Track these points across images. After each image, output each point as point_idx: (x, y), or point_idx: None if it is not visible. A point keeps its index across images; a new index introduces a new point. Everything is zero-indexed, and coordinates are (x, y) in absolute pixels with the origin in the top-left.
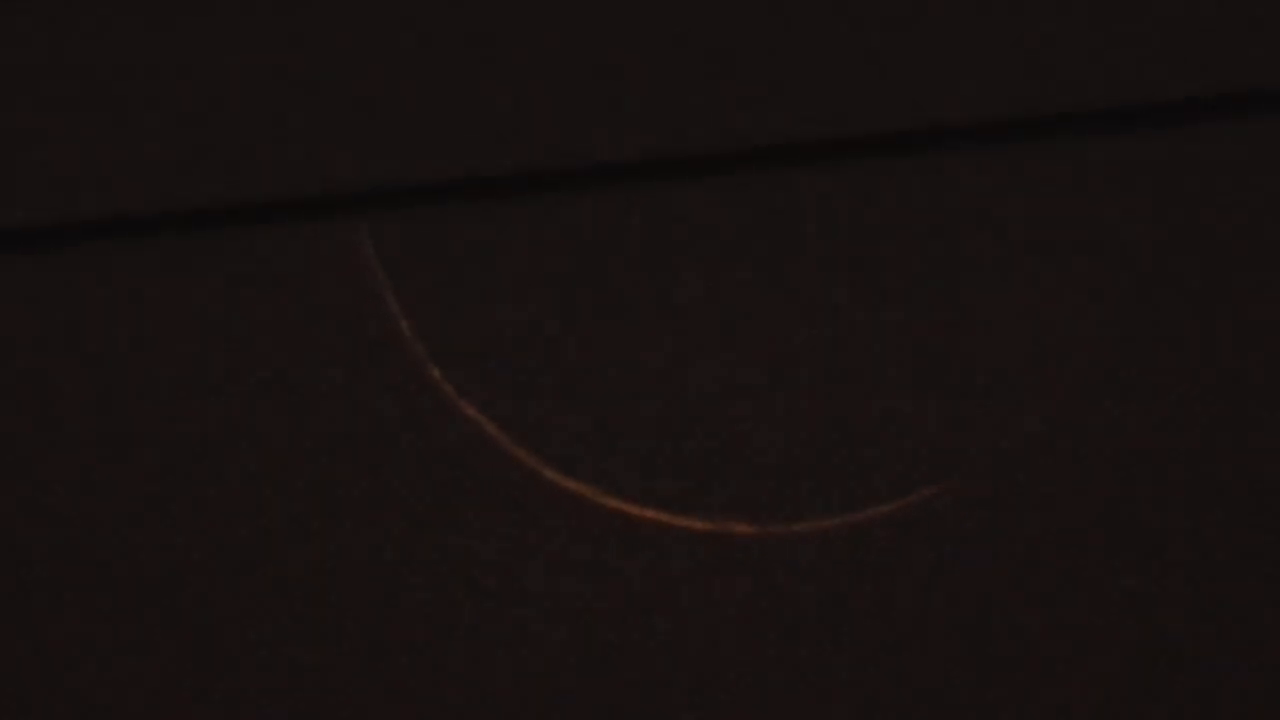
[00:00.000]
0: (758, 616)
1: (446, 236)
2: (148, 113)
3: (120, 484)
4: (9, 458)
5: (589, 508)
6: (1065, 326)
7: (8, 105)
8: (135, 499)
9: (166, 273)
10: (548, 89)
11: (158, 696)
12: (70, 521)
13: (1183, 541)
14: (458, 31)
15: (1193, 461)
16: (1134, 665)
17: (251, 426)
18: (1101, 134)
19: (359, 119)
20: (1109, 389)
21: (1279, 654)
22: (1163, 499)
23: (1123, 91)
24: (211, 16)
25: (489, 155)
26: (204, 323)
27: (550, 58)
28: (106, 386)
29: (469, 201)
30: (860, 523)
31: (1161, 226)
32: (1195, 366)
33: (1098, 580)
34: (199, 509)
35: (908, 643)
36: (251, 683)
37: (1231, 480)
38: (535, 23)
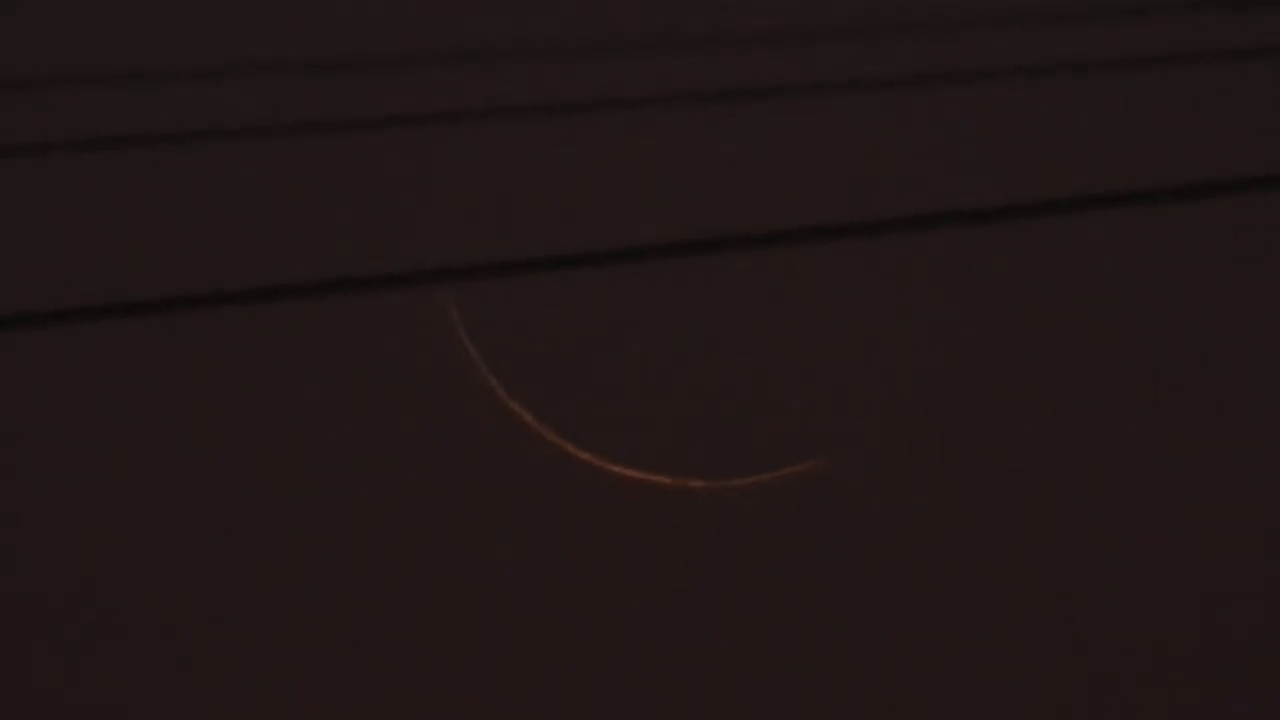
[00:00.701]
0: (707, 554)
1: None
2: (257, 193)
3: (261, 481)
4: (130, 506)
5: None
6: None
7: (112, 180)
8: (274, 497)
9: (271, 338)
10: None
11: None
12: (192, 531)
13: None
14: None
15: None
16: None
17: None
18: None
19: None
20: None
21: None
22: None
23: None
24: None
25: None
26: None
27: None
28: (228, 426)
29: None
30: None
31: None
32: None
33: (1005, 522)
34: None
35: (843, 583)
36: (313, 619)
37: (1121, 456)
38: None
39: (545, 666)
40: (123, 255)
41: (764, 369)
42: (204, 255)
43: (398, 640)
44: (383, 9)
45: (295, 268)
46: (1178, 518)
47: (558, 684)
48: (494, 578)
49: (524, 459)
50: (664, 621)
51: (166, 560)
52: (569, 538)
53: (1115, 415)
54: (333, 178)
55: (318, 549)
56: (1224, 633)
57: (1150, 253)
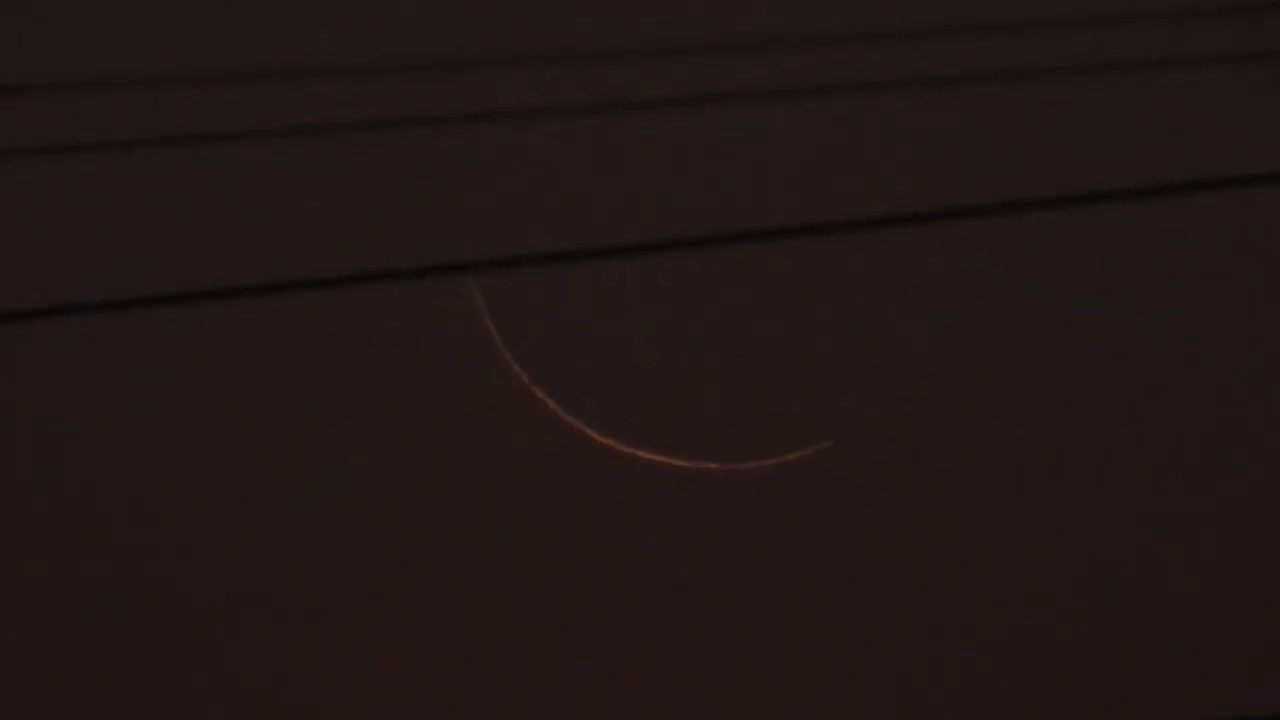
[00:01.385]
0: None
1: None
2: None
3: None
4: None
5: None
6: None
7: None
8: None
9: (309, 328)
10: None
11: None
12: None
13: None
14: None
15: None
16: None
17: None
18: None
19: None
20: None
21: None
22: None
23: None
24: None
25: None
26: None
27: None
28: (267, 407)
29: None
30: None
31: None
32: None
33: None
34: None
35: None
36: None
37: (1115, 443)
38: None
39: (566, 639)
40: (177, 247)
41: (775, 358)
42: (246, 250)
43: (423, 615)
44: (431, 14)
45: (325, 262)
46: (1176, 497)
47: (579, 656)
48: (516, 556)
49: (546, 442)
50: (680, 595)
51: (213, 538)
52: (590, 517)
53: (1118, 404)
54: (368, 177)
55: (347, 526)
56: (1221, 605)
57: (1153, 246)
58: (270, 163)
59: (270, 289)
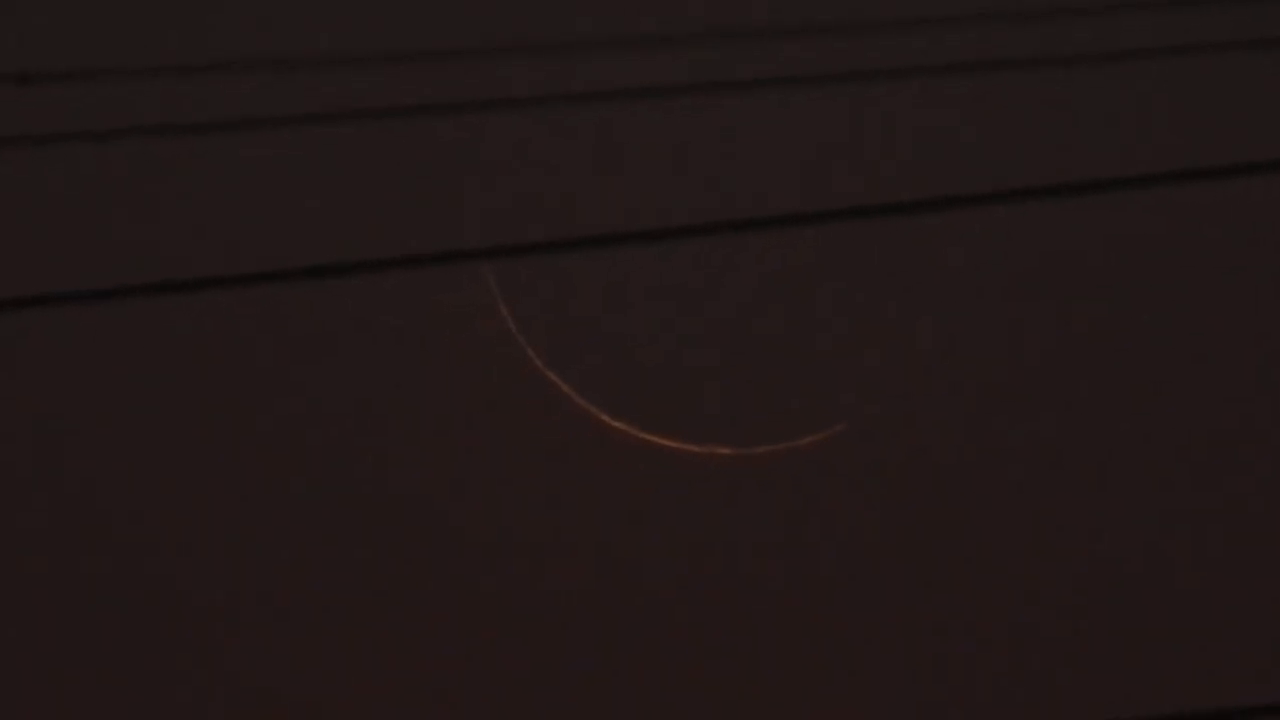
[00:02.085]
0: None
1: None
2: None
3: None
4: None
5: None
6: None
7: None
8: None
9: (326, 313)
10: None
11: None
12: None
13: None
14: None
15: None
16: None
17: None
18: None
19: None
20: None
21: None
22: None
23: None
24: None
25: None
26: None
27: None
28: (287, 390)
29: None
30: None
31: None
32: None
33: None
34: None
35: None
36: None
37: (1112, 434)
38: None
39: (580, 621)
40: (195, 233)
41: (787, 343)
42: (252, 239)
43: (433, 606)
44: (437, 6)
45: (331, 250)
46: (1183, 483)
47: (591, 640)
48: (531, 540)
49: (560, 427)
50: (692, 579)
51: (219, 529)
52: (604, 501)
53: (1124, 391)
54: (385, 163)
55: (355, 518)
56: (1225, 600)
57: (1160, 236)
58: (276, 153)
59: (274, 278)
